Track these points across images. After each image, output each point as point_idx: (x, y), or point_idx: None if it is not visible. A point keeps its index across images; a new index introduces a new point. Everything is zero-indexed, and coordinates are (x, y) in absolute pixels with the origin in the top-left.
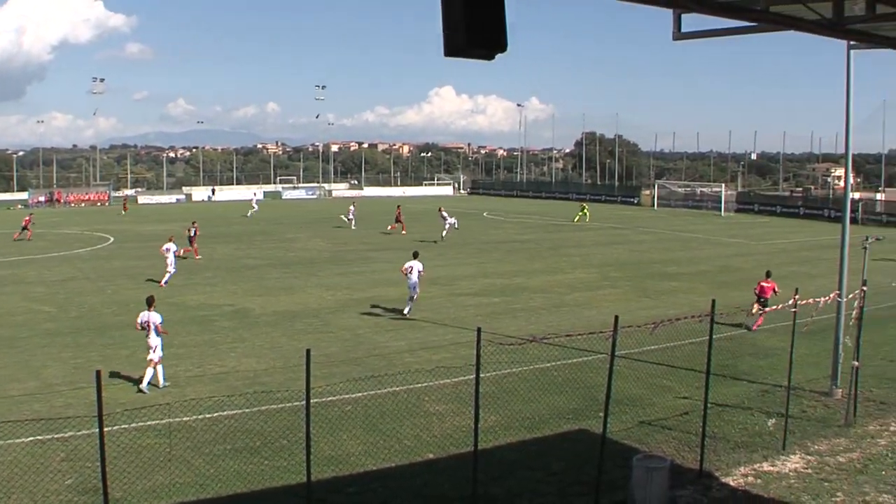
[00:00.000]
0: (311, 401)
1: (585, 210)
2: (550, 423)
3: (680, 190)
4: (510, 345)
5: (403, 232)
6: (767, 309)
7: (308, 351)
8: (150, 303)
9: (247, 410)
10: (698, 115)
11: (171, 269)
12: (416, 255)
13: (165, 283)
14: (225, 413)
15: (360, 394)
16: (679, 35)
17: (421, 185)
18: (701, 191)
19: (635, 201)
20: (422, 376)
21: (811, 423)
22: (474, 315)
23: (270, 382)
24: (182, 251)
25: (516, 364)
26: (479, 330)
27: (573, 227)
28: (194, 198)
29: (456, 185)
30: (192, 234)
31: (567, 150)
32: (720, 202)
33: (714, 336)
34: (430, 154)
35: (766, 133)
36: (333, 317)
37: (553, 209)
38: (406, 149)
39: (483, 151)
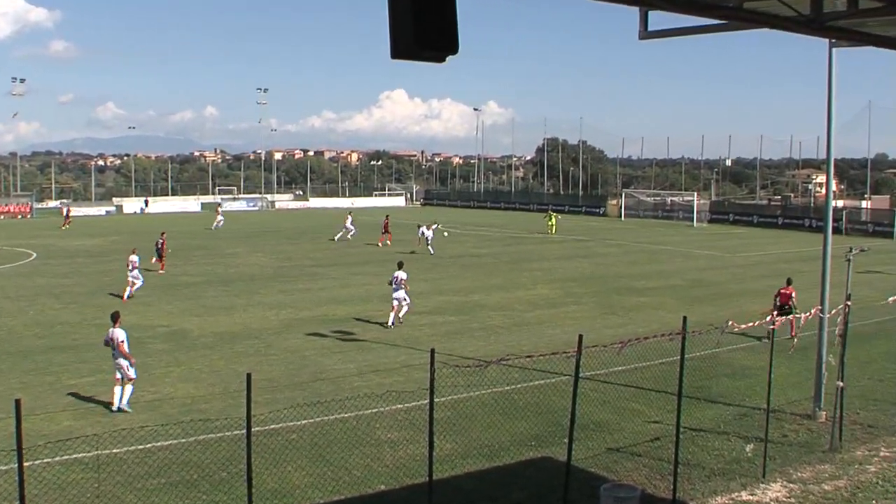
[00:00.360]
0: (253, 429)
1: (555, 217)
2: (511, 451)
3: (649, 199)
4: (467, 367)
5: (388, 243)
6: (792, 316)
7: (249, 375)
8: (114, 319)
9: (183, 441)
10: (669, 119)
11: (139, 281)
12: (400, 266)
13: (137, 290)
14: (159, 444)
15: (305, 421)
16: (646, 34)
17: (371, 195)
18: (671, 200)
19: (601, 212)
20: (372, 402)
21: (793, 448)
22: (428, 335)
23: (208, 410)
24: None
25: (474, 387)
26: (432, 351)
27: (534, 240)
28: (125, 210)
29: (408, 196)
30: (160, 245)
31: (528, 158)
32: (692, 212)
33: (686, 355)
34: (380, 162)
35: (742, 137)
36: (276, 338)
37: (512, 220)
38: (355, 156)
39: (437, 159)
